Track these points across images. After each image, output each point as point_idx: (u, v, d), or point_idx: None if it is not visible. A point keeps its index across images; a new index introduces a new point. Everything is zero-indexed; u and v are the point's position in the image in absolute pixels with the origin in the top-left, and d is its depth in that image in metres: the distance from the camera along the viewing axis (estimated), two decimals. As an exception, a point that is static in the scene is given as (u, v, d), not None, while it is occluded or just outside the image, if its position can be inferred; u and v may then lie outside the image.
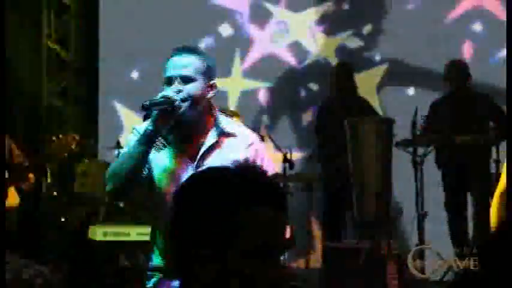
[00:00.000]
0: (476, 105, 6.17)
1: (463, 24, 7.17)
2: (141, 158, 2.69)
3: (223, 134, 2.80)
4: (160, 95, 2.71)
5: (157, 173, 2.76)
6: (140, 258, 5.52)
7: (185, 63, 2.77)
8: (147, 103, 2.68)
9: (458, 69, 6.25)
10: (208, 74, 2.81)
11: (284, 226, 1.48)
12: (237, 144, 2.81)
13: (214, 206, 1.42)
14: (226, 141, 2.80)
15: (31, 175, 4.96)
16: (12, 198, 4.90)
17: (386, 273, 4.21)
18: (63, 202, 5.95)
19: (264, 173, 1.51)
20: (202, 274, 1.42)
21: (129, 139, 2.81)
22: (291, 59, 7.28)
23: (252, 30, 7.31)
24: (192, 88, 2.75)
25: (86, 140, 5.64)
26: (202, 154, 2.77)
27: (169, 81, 2.75)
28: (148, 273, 2.83)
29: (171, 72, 2.76)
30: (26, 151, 5.04)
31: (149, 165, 2.76)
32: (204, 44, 7.11)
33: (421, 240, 5.95)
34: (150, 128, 2.68)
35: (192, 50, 2.81)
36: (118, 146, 6.27)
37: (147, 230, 5.95)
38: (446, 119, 6.16)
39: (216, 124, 2.82)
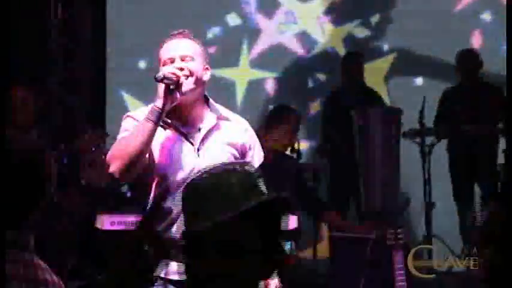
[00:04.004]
0: (486, 96, 6.15)
1: (472, 13, 7.14)
2: (148, 135, 2.67)
3: (220, 117, 2.85)
4: (166, 70, 2.74)
5: (157, 154, 2.76)
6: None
7: (184, 45, 2.84)
8: (161, 75, 2.70)
9: (469, 59, 6.23)
10: (204, 56, 2.88)
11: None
12: (233, 128, 2.87)
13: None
14: (223, 125, 2.85)
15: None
16: None
17: (393, 262, 4.22)
18: (71, 191, 5.97)
19: None
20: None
21: (126, 125, 2.80)
22: (298, 49, 7.26)
23: (260, 20, 7.28)
24: (193, 66, 2.79)
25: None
26: (203, 137, 2.80)
27: (171, 61, 2.80)
28: None
29: (171, 53, 2.81)
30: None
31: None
32: (211, 33, 7.09)
33: (429, 231, 5.95)
34: (159, 104, 2.70)
35: (187, 34, 2.89)
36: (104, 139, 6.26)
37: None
38: (456, 108, 6.14)
39: (211, 108, 2.86)
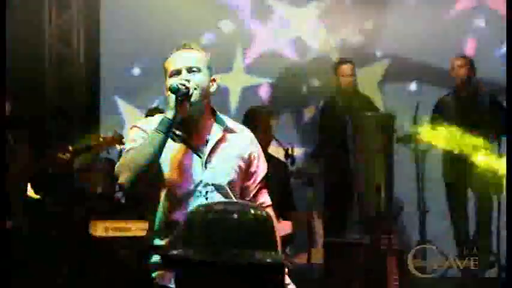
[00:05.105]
0: (480, 102, 6.17)
1: (465, 19, 7.16)
2: (159, 147, 2.67)
3: (226, 129, 2.85)
4: (175, 82, 2.73)
5: (165, 166, 2.75)
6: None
7: (191, 56, 2.83)
8: (176, 86, 2.70)
9: (463, 66, 6.25)
10: (211, 68, 2.88)
11: None
12: (239, 140, 2.87)
13: None
14: (230, 137, 2.85)
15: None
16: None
17: (386, 268, 4.22)
18: (64, 197, 5.97)
19: None
20: None
21: (133, 136, 2.79)
22: (292, 55, 7.28)
23: (254, 26, 7.30)
24: (200, 78, 2.79)
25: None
26: (210, 150, 2.79)
27: (177, 72, 2.79)
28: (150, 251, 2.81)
29: (178, 64, 2.81)
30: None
31: None
32: (205, 40, 7.11)
33: (423, 237, 5.96)
34: (170, 116, 2.70)
35: (195, 46, 2.88)
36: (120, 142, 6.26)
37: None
38: (450, 115, 6.16)
39: (218, 120, 2.86)
